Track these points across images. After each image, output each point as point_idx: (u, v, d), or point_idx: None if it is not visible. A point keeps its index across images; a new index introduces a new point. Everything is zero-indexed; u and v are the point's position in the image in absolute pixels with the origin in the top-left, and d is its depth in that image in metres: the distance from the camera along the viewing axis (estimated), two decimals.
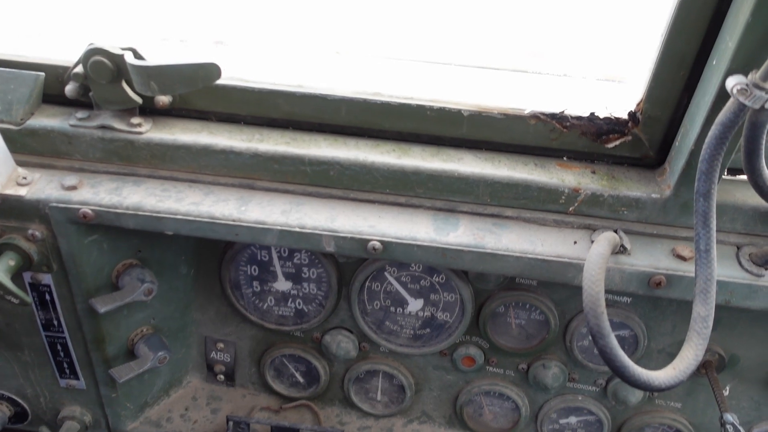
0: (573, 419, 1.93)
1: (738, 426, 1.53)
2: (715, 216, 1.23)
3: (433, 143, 1.59)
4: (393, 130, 1.58)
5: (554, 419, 1.94)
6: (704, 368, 1.70)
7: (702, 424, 1.86)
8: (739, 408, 1.80)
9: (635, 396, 1.81)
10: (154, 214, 1.51)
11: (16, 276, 1.61)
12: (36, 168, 1.60)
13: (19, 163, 1.59)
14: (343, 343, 1.86)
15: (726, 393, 1.79)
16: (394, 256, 1.50)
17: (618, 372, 1.25)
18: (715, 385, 1.66)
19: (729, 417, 1.55)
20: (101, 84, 1.51)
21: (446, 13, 2.08)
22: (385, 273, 1.72)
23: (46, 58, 1.61)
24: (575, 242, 1.49)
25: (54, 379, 1.90)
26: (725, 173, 1.50)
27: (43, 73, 1.60)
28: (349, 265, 1.75)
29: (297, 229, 1.49)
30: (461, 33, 2.04)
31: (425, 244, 1.47)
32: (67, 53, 1.58)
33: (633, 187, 1.49)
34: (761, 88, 1.12)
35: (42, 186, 1.55)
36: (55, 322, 1.75)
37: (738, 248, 1.49)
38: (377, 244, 1.48)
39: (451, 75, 1.85)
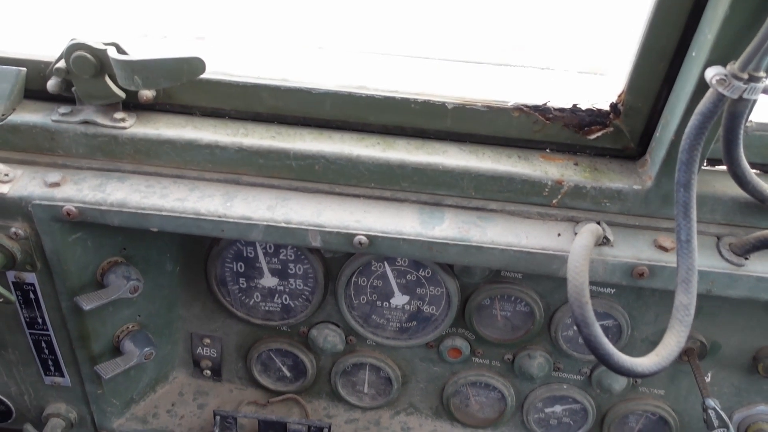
0: (558, 408, 1.95)
1: (720, 411, 1.55)
2: (695, 207, 1.25)
3: (418, 136, 1.60)
4: (378, 124, 1.59)
5: (540, 408, 1.96)
6: (686, 355, 1.72)
7: (685, 410, 1.89)
8: (720, 394, 1.83)
9: (619, 384, 1.83)
10: (139, 211, 1.50)
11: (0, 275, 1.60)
12: (18, 165, 1.59)
13: (1, 160, 1.57)
14: (329, 337, 1.86)
15: (708, 379, 1.81)
16: (381, 250, 1.51)
17: (603, 360, 1.26)
18: (697, 371, 1.68)
19: (711, 402, 1.57)
20: (84, 79, 1.50)
21: (430, 8, 2.08)
22: (378, 264, 1.72)
23: (27, 53, 1.59)
24: (559, 234, 1.50)
25: (38, 376, 1.89)
26: (705, 164, 1.52)
27: (24, 68, 1.58)
28: (336, 260, 1.75)
29: (283, 225, 1.49)
30: (444, 27, 2.04)
31: (411, 238, 1.48)
32: (48, 48, 1.56)
33: (615, 179, 1.50)
34: (739, 79, 1.14)
35: (24, 183, 1.54)
36: (40, 320, 1.74)
37: (718, 238, 1.51)
38: (363, 239, 1.48)
39: (435, 69, 1.86)
